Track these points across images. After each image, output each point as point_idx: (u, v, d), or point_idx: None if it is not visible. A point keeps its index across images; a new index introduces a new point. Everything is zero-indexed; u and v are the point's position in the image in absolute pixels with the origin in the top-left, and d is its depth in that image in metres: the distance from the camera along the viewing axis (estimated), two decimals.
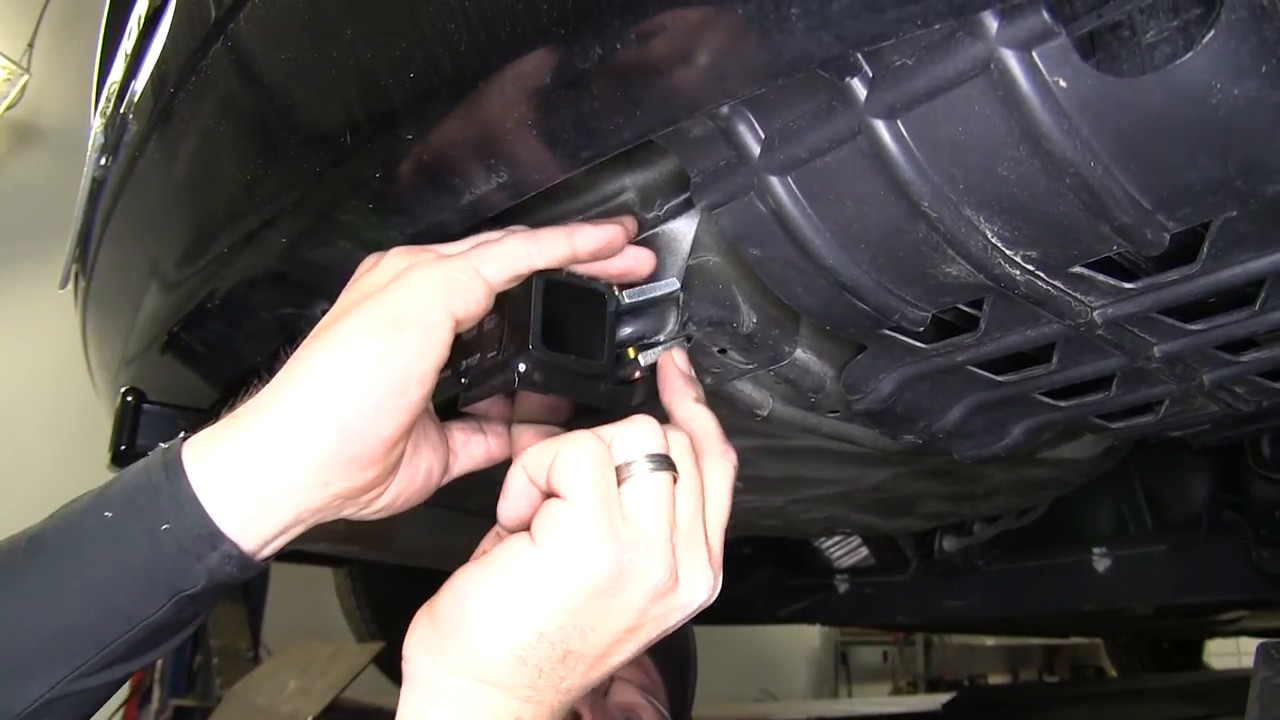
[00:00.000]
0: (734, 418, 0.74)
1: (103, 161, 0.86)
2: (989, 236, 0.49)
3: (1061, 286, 0.53)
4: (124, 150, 0.80)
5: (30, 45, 3.31)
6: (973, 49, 0.40)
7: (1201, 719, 2.67)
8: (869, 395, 0.68)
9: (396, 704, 0.54)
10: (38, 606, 0.51)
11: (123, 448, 1.02)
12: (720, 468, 0.58)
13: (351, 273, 0.60)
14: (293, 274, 0.70)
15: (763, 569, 2.16)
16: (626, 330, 0.64)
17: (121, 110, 0.81)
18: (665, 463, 0.54)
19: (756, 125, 0.50)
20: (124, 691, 2.49)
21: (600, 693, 1.06)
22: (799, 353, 0.68)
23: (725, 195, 0.54)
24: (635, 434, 0.55)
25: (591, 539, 0.51)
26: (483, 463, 0.66)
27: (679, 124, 0.47)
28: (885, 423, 0.73)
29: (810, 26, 0.39)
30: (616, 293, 0.62)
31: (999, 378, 0.66)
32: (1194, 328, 0.58)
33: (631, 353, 0.63)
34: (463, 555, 0.61)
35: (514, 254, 0.57)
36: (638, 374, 0.63)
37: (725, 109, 0.49)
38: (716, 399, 0.72)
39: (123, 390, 1.05)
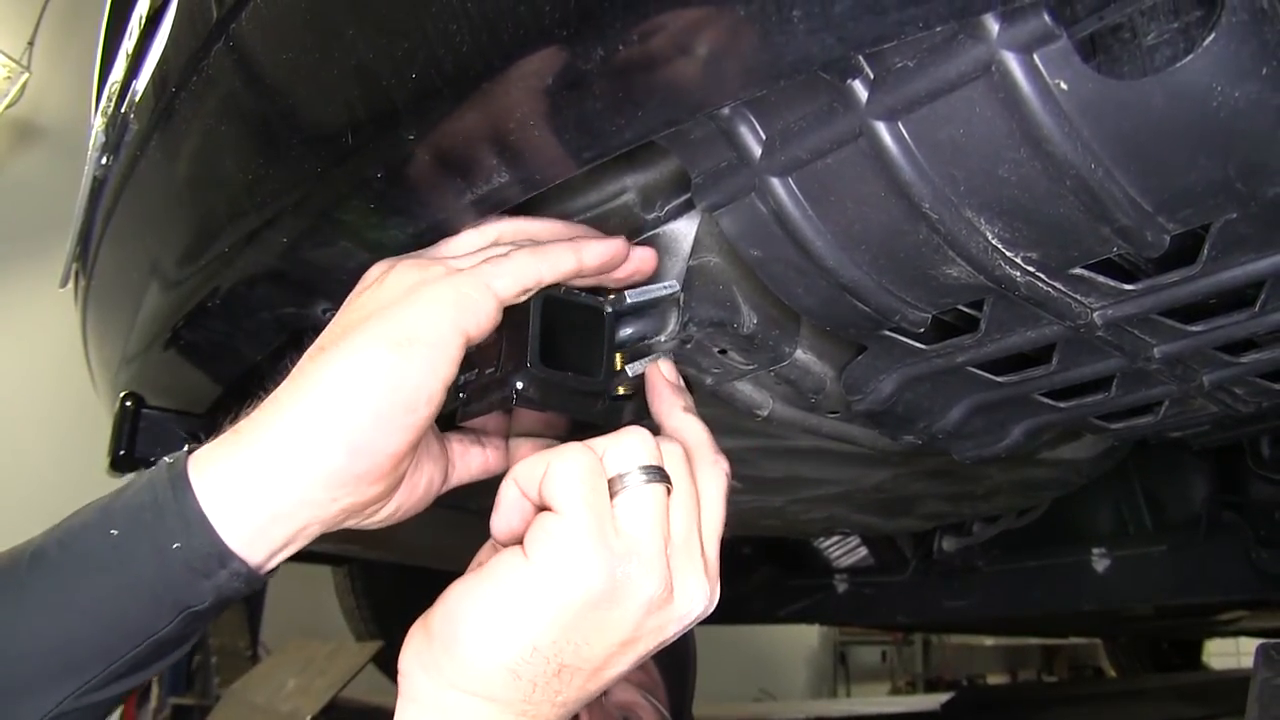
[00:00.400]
0: (734, 418, 0.74)
1: (104, 160, 0.86)
2: (989, 238, 0.49)
3: (1062, 288, 0.53)
4: (125, 149, 0.80)
5: (31, 43, 3.31)
6: (974, 51, 0.41)
7: (1201, 719, 2.67)
8: (869, 396, 0.68)
9: (395, 703, 0.54)
10: (43, 623, 0.50)
11: (121, 453, 1.02)
12: (713, 476, 0.58)
13: (351, 272, 0.60)
14: (293, 273, 0.70)
15: (762, 569, 2.16)
16: (627, 331, 0.64)
17: (123, 109, 0.81)
18: (659, 474, 0.54)
19: (758, 126, 0.50)
20: None
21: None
22: (799, 353, 0.69)
23: (726, 196, 0.54)
24: (628, 446, 0.54)
25: (583, 552, 0.50)
26: (480, 475, 0.66)
27: (680, 125, 0.47)
28: (885, 423, 0.73)
29: (812, 28, 0.39)
30: (615, 296, 0.62)
31: (999, 378, 0.66)
32: (1194, 329, 0.58)
33: (619, 362, 0.62)
34: (462, 555, 0.61)
35: (524, 269, 0.56)
36: (623, 387, 0.63)
37: (727, 110, 0.49)
38: (716, 399, 0.72)
39: (121, 395, 1.05)
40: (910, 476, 1.04)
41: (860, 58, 0.44)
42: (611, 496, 0.53)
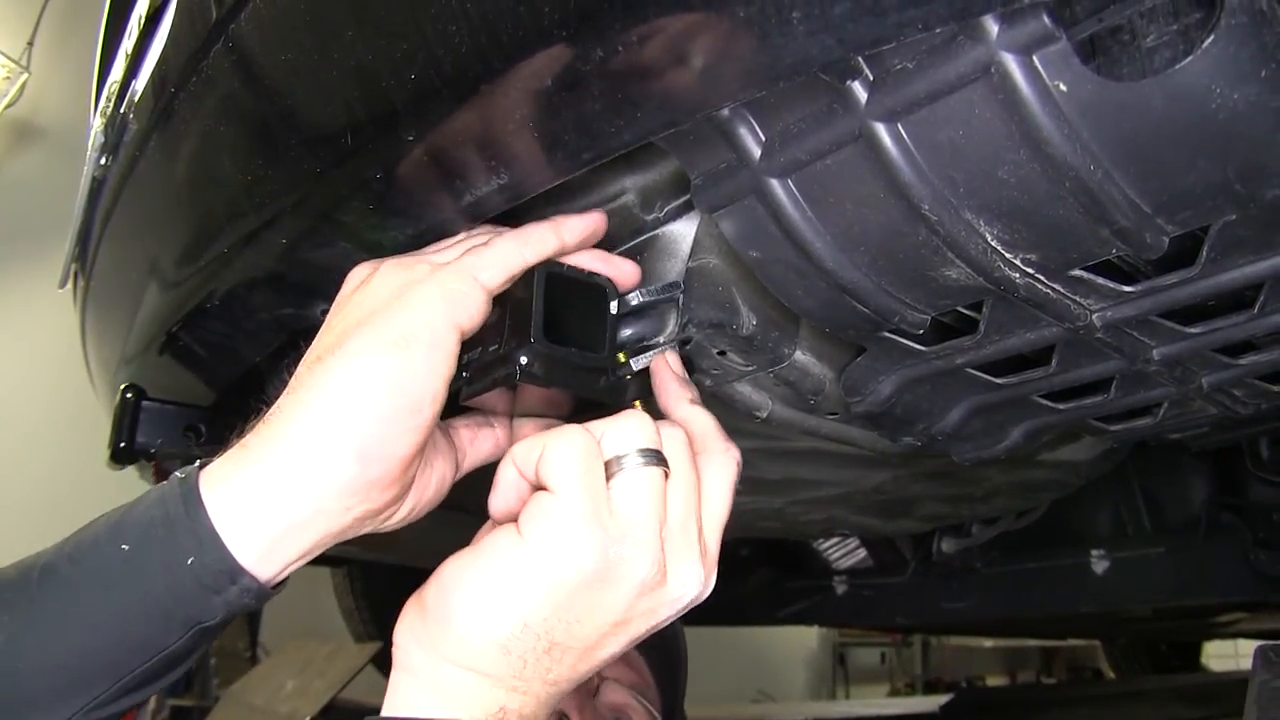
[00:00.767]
0: (733, 420, 0.74)
1: (103, 161, 0.86)
2: (989, 239, 0.49)
3: (1061, 289, 0.53)
4: (124, 150, 0.80)
5: (30, 43, 3.31)
6: (973, 53, 0.41)
7: None
8: (868, 397, 0.68)
9: None
10: (53, 639, 0.50)
11: (121, 445, 1.02)
12: (723, 464, 0.58)
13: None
14: (292, 275, 0.70)
15: (761, 570, 2.16)
16: (626, 332, 0.64)
17: (122, 110, 0.81)
18: (656, 458, 0.54)
19: (757, 128, 0.50)
20: None
21: (589, 692, 1.06)
22: (798, 355, 0.69)
23: (725, 198, 0.54)
24: (626, 429, 0.55)
25: (576, 532, 0.51)
26: (492, 456, 0.66)
27: (680, 126, 0.47)
28: (884, 425, 0.73)
29: (812, 30, 0.39)
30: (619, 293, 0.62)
31: (998, 380, 0.66)
32: (1193, 331, 0.59)
33: (623, 357, 0.62)
34: None
35: (507, 256, 0.57)
36: (629, 379, 0.63)
37: (726, 112, 0.49)
38: (716, 401, 0.72)
39: (122, 387, 1.05)
40: (909, 478, 1.04)
41: (860, 59, 0.44)
42: (609, 478, 0.53)
